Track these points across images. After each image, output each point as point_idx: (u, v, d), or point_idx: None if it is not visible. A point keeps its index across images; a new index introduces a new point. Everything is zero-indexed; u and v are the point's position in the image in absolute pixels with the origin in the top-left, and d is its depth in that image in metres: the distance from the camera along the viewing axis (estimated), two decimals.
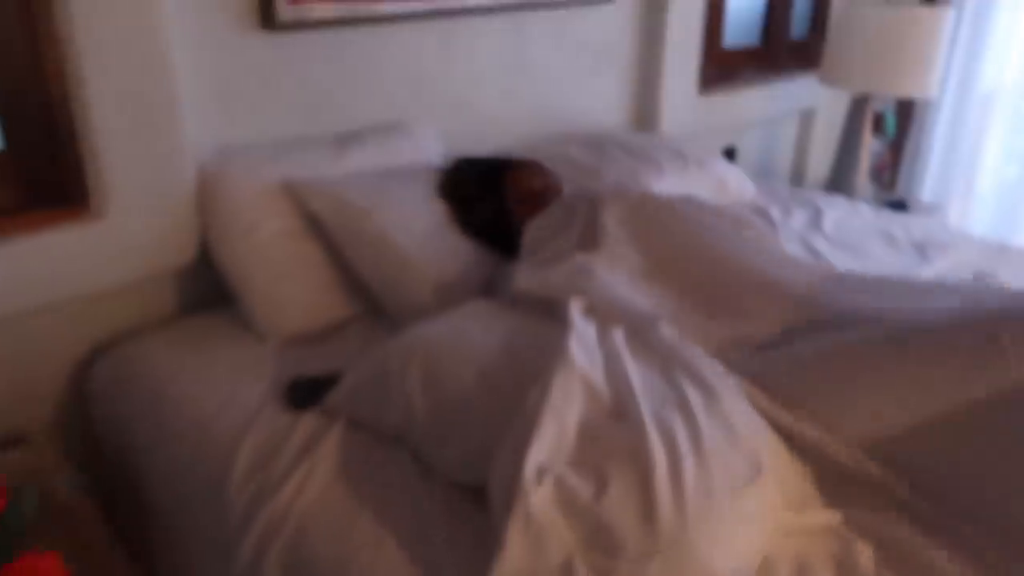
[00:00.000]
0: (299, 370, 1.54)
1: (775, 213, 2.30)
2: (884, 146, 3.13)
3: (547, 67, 2.38)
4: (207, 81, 1.72)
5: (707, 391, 1.13)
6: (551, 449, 1.04)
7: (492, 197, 1.76)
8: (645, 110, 2.65)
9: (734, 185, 2.37)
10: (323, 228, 1.70)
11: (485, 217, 1.75)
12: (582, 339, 1.21)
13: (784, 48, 3.14)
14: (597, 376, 1.15)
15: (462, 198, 1.78)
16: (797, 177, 3.44)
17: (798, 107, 3.24)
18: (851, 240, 2.21)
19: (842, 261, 2.08)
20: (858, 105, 2.89)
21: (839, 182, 2.97)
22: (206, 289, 1.77)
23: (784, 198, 2.47)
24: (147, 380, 1.58)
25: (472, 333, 1.30)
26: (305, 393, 1.45)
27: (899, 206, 2.99)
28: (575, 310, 1.27)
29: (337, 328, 1.70)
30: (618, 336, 1.24)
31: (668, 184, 2.20)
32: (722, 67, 2.88)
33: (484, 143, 2.22)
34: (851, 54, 2.75)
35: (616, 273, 1.44)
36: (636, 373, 1.16)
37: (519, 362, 1.21)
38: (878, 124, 2.95)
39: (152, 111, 1.57)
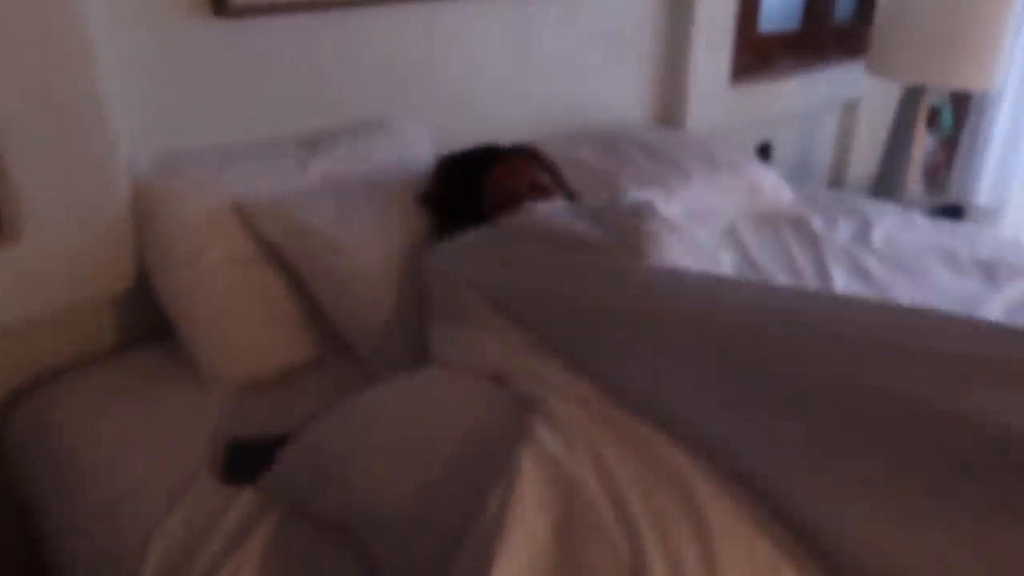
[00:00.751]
0: (246, 426, 1.28)
1: (816, 224, 2.01)
2: (937, 144, 2.80)
3: (555, 56, 2.08)
4: (144, 77, 1.45)
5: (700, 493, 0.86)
6: (520, 565, 0.78)
7: (471, 203, 1.49)
8: (669, 104, 2.35)
9: (770, 191, 2.07)
10: (280, 257, 1.43)
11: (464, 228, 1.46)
12: (553, 418, 0.93)
13: (827, 33, 2.81)
14: (575, 464, 0.88)
15: (440, 207, 1.51)
16: (837, 177, 3.12)
17: (841, 99, 2.91)
18: (906, 258, 1.90)
19: (896, 284, 1.79)
20: (911, 98, 2.56)
21: (887, 184, 2.66)
22: (153, 319, 1.50)
23: (826, 205, 2.16)
24: (62, 438, 1.32)
25: (427, 410, 1.03)
26: (245, 461, 1.19)
27: (954, 211, 2.67)
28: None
29: (297, 373, 1.43)
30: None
31: (696, 192, 1.91)
32: (757, 54, 2.57)
33: (485, 137, 1.94)
34: (904, 40, 2.42)
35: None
36: (627, 460, 0.89)
37: (481, 449, 0.94)
38: (932, 119, 2.63)
39: (73, 113, 1.31)
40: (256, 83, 1.59)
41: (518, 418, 0.94)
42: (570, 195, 1.56)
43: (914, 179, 2.59)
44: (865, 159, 3.07)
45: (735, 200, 2.00)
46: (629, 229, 1.22)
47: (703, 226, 1.93)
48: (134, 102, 1.43)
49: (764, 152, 2.72)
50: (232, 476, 1.17)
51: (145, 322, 1.52)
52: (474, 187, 1.49)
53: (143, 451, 1.25)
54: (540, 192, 1.47)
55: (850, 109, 2.99)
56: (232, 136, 1.58)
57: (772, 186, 2.07)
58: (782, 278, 1.78)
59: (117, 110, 1.36)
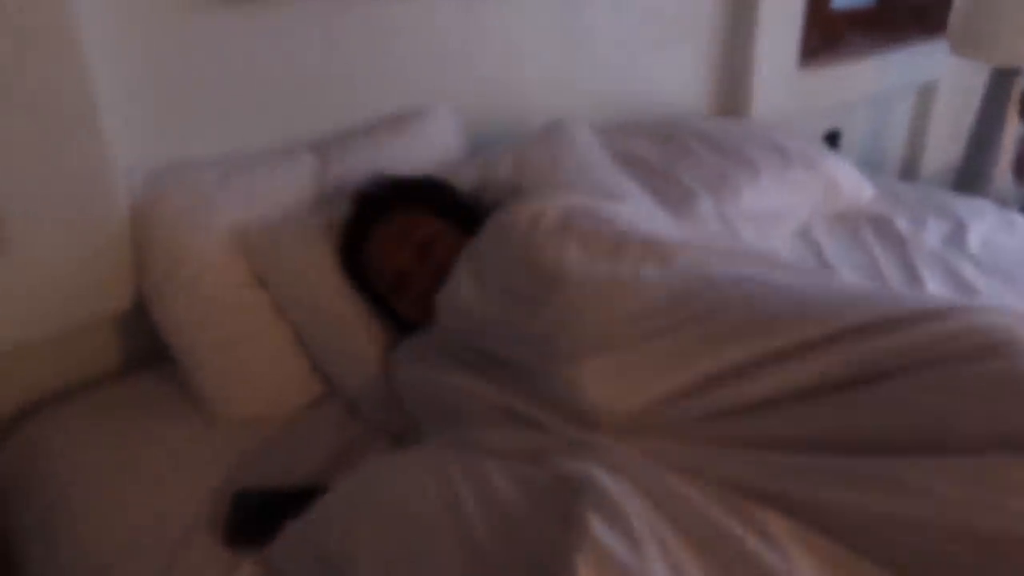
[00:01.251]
0: (252, 470, 1.12)
1: (902, 224, 1.77)
2: None
3: (605, 39, 1.87)
4: (142, 77, 1.28)
5: None
6: None
7: (357, 278, 1.24)
8: (731, 90, 2.12)
9: (848, 188, 1.84)
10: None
11: (373, 306, 1.25)
12: (609, 507, 0.74)
13: (904, 9, 2.55)
14: (646, 570, 0.68)
15: (344, 269, 1.26)
16: (910, 168, 2.86)
17: (916, 82, 2.65)
18: (1006, 265, 1.66)
19: (997, 295, 1.56)
20: (999, 81, 2.30)
21: (971, 176, 2.40)
22: (155, 340, 1.33)
23: (912, 203, 1.92)
24: (51, 478, 1.16)
25: (450, 495, 0.83)
26: (251, 517, 1.02)
27: None
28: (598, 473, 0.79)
29: (313, 407, 1.25)
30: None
31: (766, 190, 1.69)
32: (828, 34, 2.33)
33: (527, 129, 1.74)
34: (993, 16, 2.16)
35: None
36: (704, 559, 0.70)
37: (519, 551, 0.74)
38: None
39: (63, 120, 1.13)
40: (269, 80, 1.41)
41: (564, 510, 0.74)
42: (472, 214, 1.26)
43: (1003, 171, 2.33)
44: (942, 149, 2.81)
45: (809, 198, 1.78)
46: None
47: (775, 231, 1.72)
48: (131, 106, 1.26)
49: (832, 141, 2.48)
50: (236, 534, 1.01)
51: (146, 344, 1.35)
52: (359, 267, 1.23)
53: (139, 498, 1.09)
54: (428, 256, 1.18)
55: (926, 93, 2.73)
56: (243, 142, 1.40)
57: (850, 182, 1.84)
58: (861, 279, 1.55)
59: (112, 116, 1.18)
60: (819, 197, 1.79)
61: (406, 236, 1.18)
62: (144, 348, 1.37)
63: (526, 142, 1.53)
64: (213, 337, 1.22)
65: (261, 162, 1.36)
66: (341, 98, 1.52)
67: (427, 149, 1.52)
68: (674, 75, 2.05)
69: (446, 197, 1.27)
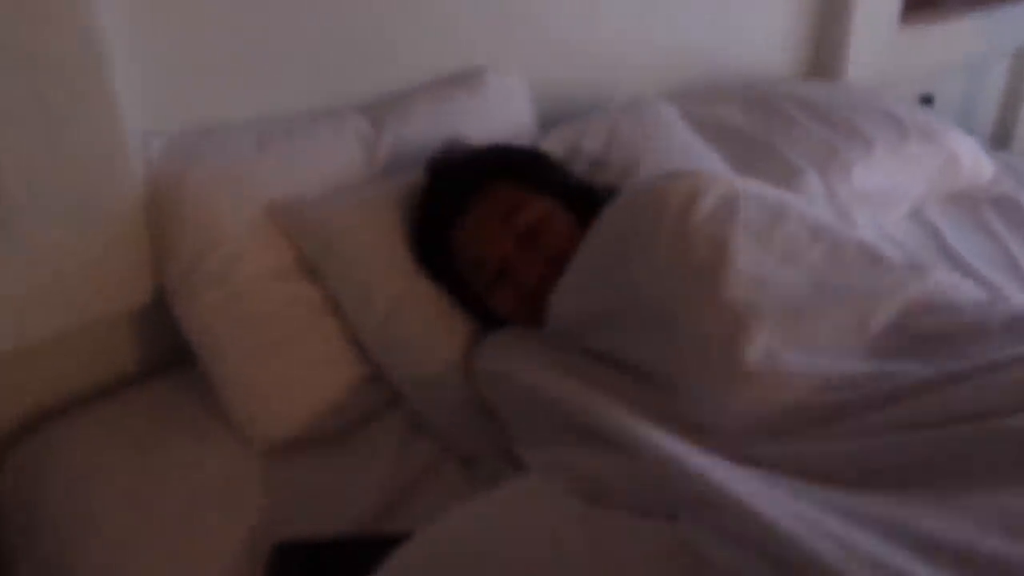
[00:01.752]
0: (300, 502, 0.93)
1: None
2: None
3: None
4: (161, 25, 1.07)
5: None
6: None
7: (438, 267, 1.03)
8: (825, 48, 1.88)
9: (969, 164, 1.59)
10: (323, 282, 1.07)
11: (455, 296, 1.03)
12: None
13: None
14: None
15: (422, 260, 1.04)
16: (1000, 137, 2.59)
17: (1014, 43, 2.38)
18: None
19: None
20: None
21: None
22: (180, 338, 1.13)
23: None
24: (55, 503, 0.97)
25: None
26: (292, 572, 0.82)
27: None
28: None
29: (367, 424, 1.05)
30: None
31: (881, 166, 1.45)
32: None
33: (603, 100, 1.52)
34: None
35: None
36: None
37: None
38: None
39: (65, 78, 0.92)
40: (311, 31, 1.19)
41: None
42: (582, 194, 1.05)
43: None
44: None
45: (925, 176, 1.54)
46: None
47: (886, 213, 1.49)
48: (148, 62, 1.05)
49: (926, 105, 2.23)
50: None
51: (169, 343, 1.15)
52: (442, 254, 1.01)
53: (156, 539, 0.90)
54: (537, 242, 0.96)
55: (1022, 57, 2.46)
56: (280, 104, 1.19)
57: (971, 158, 1.59)
58: (994, 274, 1.33)
59: (125, 74, 0.98)
60: (936, 174, 1.56)
61: (509, 218, 0.96)
62: (166, 349, 1.16)
63: (613, 113, 1.30)
64: (250, 340, 1.01)
65: (303, 126, 1.15)
66: (393, 56, 1.30)
67: (494, 115, 1.30)
68: (761, 33, 1.81)
69: (553, 172, 1.05)
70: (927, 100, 2.23)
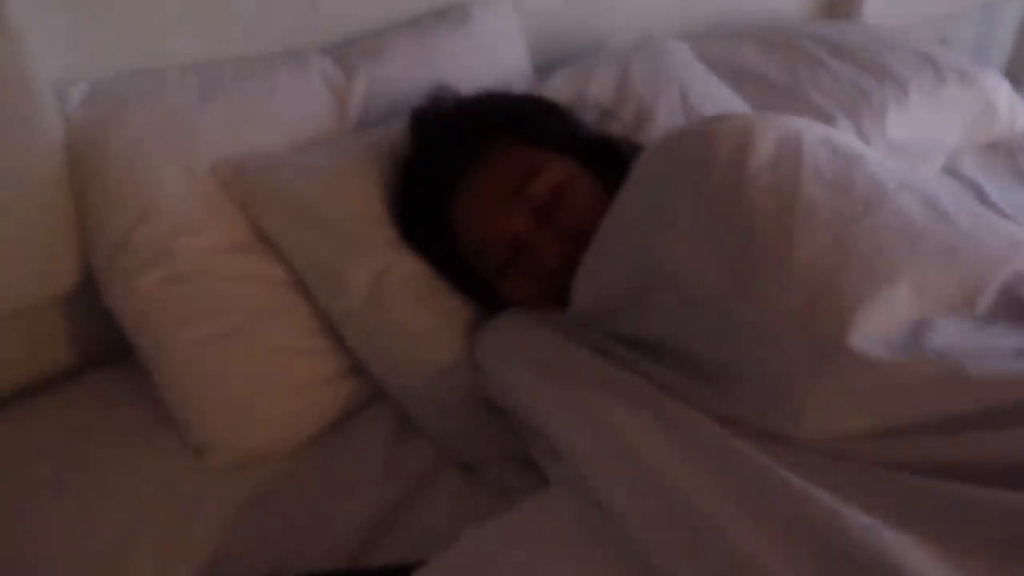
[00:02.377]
0: (272, 526, 0.76)
1: None
2: None
3: None
4: None
5: None
6: None
7: (443, 256, 0.85)
8: None
9: (1005, 112, 1.44)
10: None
11: (453, 280, 0.86)
12: None
13: None
14: None
15: (409, 238, 0.87)
16: (1013, 82, 2.45)
17: None
18: None
19: None
20: None
21: None
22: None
23: None
24: None
25: None
26: None
27: None
28: None
29: (341, 426, 0.88)
30: None
31: (914, 112, 1.30)
32: None
33: (604, 40, 1.35)
34: None
35: None
36: None
37: None
38: None
39: None
40: None
41: None
42: (604, 149, 0.88)
43: None
44: None
45: (960, 125, 1.38)
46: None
47: (922, 166, 1.34)
48: None
49: None
50: None
51: (106, 330, 0.97)
52: (442, 235, 0.84)
53: (88, 567, 0.73)
54: (557, 212, 0.79)
55: None
56: (222, 48, 0.99)
57: (1009, 104, 1.44)
58: None
59: (31, 7, 0.78)
60: (970, 123, 1.40)
61: (523, 187, 0.78)
62: (102, 337, 0.98)
63: (623, 54, 1.12)
64: (198, 331, 0.83)
65: (257, 71, 0.96)
66: None
67: (483, 55, 1.12)
68: None
69: (567, 124, 0.87)
70: (941, 43, 2.08)
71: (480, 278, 0.82)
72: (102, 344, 1.00)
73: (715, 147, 0.69)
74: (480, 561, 0.61)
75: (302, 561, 0.73)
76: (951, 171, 1.39)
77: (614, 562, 0.57)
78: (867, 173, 0.69)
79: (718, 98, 1.11)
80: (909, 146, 1.30)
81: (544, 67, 1.24)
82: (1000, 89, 1.42)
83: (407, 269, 0.83)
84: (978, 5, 2.14)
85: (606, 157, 0.83)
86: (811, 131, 0.74)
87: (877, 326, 0.59)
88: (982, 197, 1.30)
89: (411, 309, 0.82)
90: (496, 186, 0.79)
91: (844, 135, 0.78)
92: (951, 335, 0.60)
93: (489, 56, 1.14)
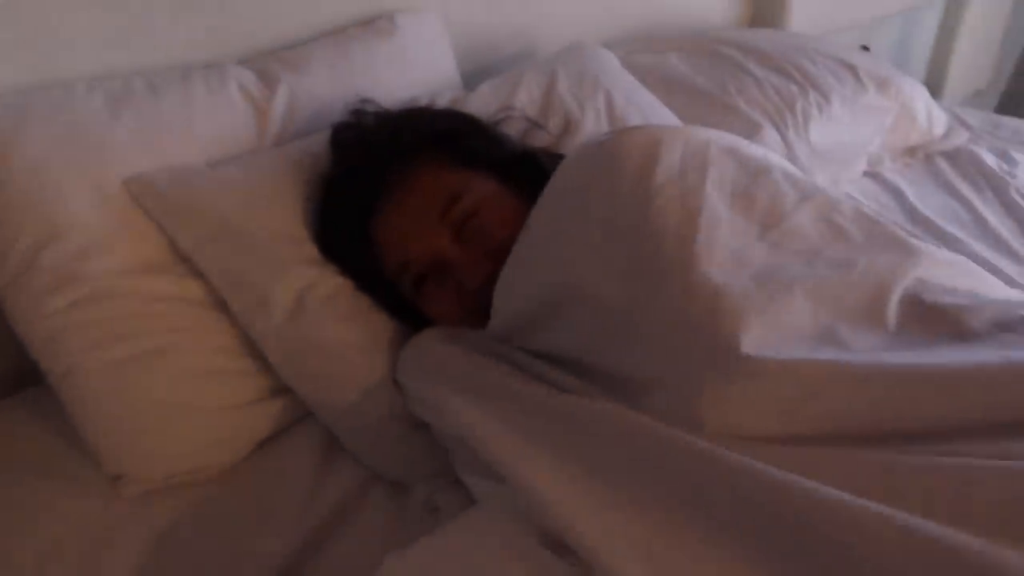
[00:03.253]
0: (187, 558, 0.74)
1: (989, 160, 1.44)
2: None
3: None
4: None
5: None
6: None
7: (371, 276, 0.83)
8: (763, 2, 1.73)
9: (923, 116, 1.48)
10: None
11: (375, 298, 0.85)
12: None
13: None
14: None
15: (331, 256, 0.85)
16: (932, 90, 2.52)
17: None
18: None
19: None
20: None
21: (1017, 97, 2.08)
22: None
23: (984, 132, 1.59)
24: None
25: None
26: None
27: None
28: None
29: (264, 448, 0.85)
30: None
31: (837, 120, 1.32)
32: None
33: (532, 49, 1.34)
34: None
35: None
36: None
37: None
38: None
39: None
40: None
41: None
42: (527, 166, 0.87)
43: None
44: (968, 67, 2.49)
45: (880, 130, 1.42)
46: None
47: (844, 171, 1.37)
48: None
49: None
50: None
51: (14, 355, 0.92)
52: (362, 254, 0.82)
53: None
54: (476, 231, 0.78)
55: (955, 3, 2.38)
56: (141, 56, 0.96)
57: (926, 110, 1.48)
58: (974, 243, 1.22)
59: None
60: (892, 128, 1.44)
61: (445, 206, 0.77)
62: (11, 363, 0.93)
63: (550, 62, 1.12)
64: (111, 354, 0.80)
65: (172, 82, 0.93)
66: None
67: (410, 65, 1.11)
68: None
69: (489, 141, 0.86)
70: (863, 49, 2.14)
71: (403, 296, 0.81)
72: (6, 371, 0.95)
73: (621, 158, 0.69)
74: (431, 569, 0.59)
75: None
76: (873, 175, 1.42)
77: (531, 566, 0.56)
78: (770, 188, 0.70)
79: (645, 107, 1.11)
80: (832, 151, 1.33)
81: (473, 75, 1.23)
82: (917, 96, 1.46)
83: (330, 286, 0.81)
84: (899, 12, 2.21)
85: (528, 172, 0.83)
86: (718, 143, 0.74)
87: (774, 333, 0.60)
88: (902, 201, 1.34)
89: (335, 327, 0.80)
90: (418, 206, 0.77)
91: (753, 146, 0.78)
92: (856, 341, 0.60)
93: (417, 65, 1.13)
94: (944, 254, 0.72)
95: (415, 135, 0.82)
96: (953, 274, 0.69)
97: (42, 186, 0.81)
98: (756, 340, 0.58)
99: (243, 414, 0.84)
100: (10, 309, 0.82)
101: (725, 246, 0.64)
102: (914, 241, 0.71)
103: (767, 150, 0.82)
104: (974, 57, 2.46)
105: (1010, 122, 1.64)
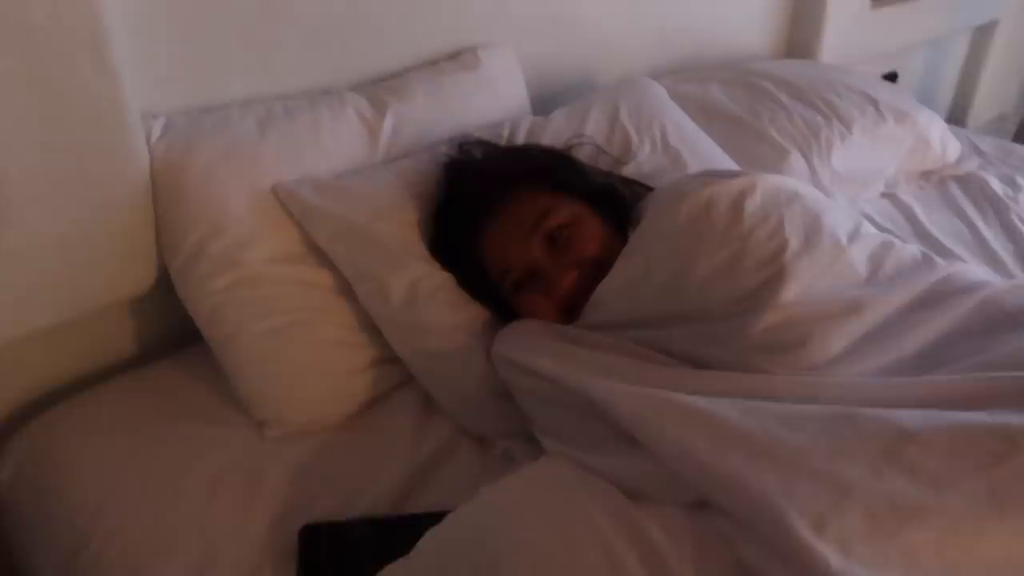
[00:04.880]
0: (319, 484, 0.94)
1: (995, 186, 1.61)
2: None
3: None
4: (152, 4, 1.04)
5: None
6: None
7: (476, 278, 1.03)
8: (802, 29, 1.91)
9: (938, 144, 1.66)
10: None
11: (476, 294, 1.05)
12: None
13: None
14: None
15: (442, 260, 1.05)
16: (957, 115, 2.68)
17: (975, 22, 2.45)
18: None
19: None
20: None
21: None
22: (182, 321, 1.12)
23: (995, 158, 1.76)
24: (60, 493, 0.97)
25: (601, 554, 0.68)
26: (326, 557, 0.84)
27: None
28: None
29: (381, 403, 1.07)
30: None
31: (858, 146, 1.50)
32: None
33: (591, 77, 1.54)
34: None
35: None
36: None
37: None
38: None
39: (66, 52, 0.89)
40: (305, 8, 1.17)
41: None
42: (606, 195, 1.06)
43: None
44: (993, 95, 2.64)
45: (897, 156, 1.60)
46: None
47: (862, 193, 1.55)
48: (146, 39, 1.02)
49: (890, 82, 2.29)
50: (309, 568, 0.84)
51: (171, 325, 1.15)
52: (476, 258, 1.02)
53: (174, 527, 0.90)
54: (566, 246, 0.97)
55: (983, 35, 2.54)
56: (277, 84, 1.18)
57: (940, 138, 1.66)
58: (971, 259, 1.39)
59: (125, 51, 0.95)
60: (907, 155, 1.62)
61: (538, 224, 0.97)
62: (165, 331, 1.16)
63: (611, 95, 1.32)
64: (261, 325, 1.01)
65: (303, 107, 1.14)
66: (384, 34, 1.28)
67: (490, 93, 1.32)
68: (740, 10, 1.83)
69: (576, 174, 1.06)
70: (892, 77, 2.30)
71: (500, 294, 1.01)
72: (165, 337, 1.18)
73: (716, 205, 0.90)
74: (499, 503, 0.79)
75: (351, 510, 0.92)
76: (890, 196, 1.60)
77: (601, 497, 0.75)
78: (828, 229, 0.90)
79: (690, 137, 1.31)
80: (852, 174, 1.51)
81: (541, 99, 1.43)
82: (932, 125, 1.64)
83: (436, 280, 1.02)
84: (927, 41, 2.36)
85: (609, 199, 1.03)
86: (786, 187, 0.94)
87: (844, 338, 0.80)
88: (912, 220, 1.51)
89: (440, 312, 1.01)
90: (518, 222, 0.98)
91: (808, 188, 0.98)
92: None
93: (496, 93, 1.33)
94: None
95: (517, 168, 1.03)
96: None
97: (209, 192, 1.02)
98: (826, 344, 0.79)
99: (360, 376, 1.05)
100: (182, 288, 1.04)
101: (804, 276, 0.84)
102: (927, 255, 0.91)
103: (814, 190, 1.01)
104: (1000, 83, 2.61)
105: (1019, 148, 1.81)
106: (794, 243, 0.86)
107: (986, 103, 2.66)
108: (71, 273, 1.00)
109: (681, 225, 0.91)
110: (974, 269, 0.92)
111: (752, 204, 0.89)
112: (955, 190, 1.62)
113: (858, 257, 0.88)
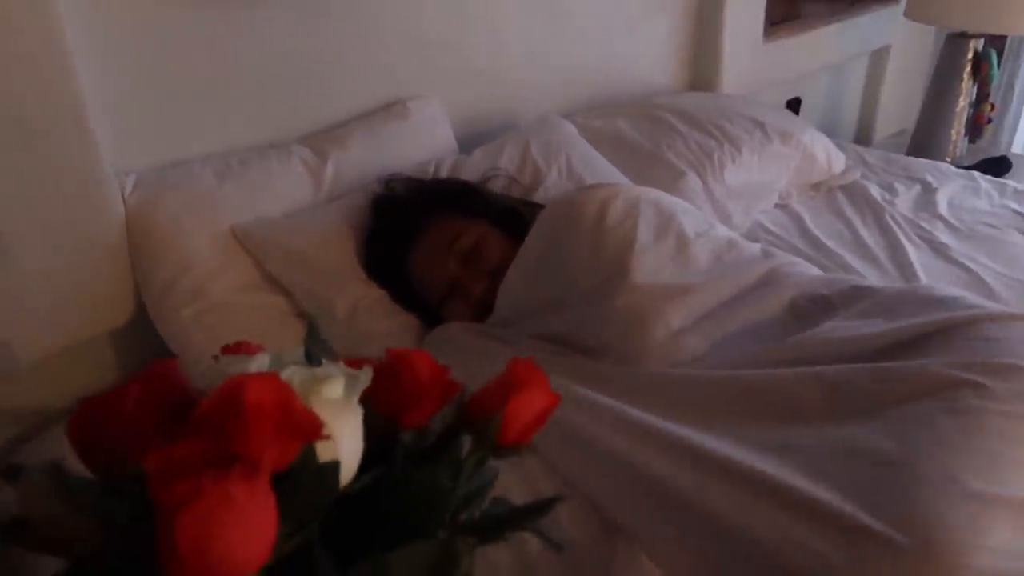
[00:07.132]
0: None
1: (874, 192, 1.83)
2: (981, 94, 2.60)
3: (584, 17, 1.86)
4: (127, 75, 1.22)
5: None
6: None
7: (406, 293, 1.23)
8: (701, 64, 2.14)
9: (823, 159, 1.88)
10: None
11: (406, 306, 1.24)
12: None
13: None
14: None
15: (376, 281, 1.25)
16: (863, 132, 2.94)
17: (868, 48, 2.71)
18: (980, 228, 1.72)
19: (972, 256, 1.61)
20: (954, 46, 2.37)
21: (926, 139, 2.48)
22: (151, 354, 1.29)
23: (879, 168, 1.99)
24: None
25: None
26: None
27: (998, 164, 2.49)
28: None
29: None
30: None
31: (747, 165, 1.72)
32: (788, 4, 2.36)
33: (512, 118, 1.74)
34: None
35: None
36: None
37: None
38: (978, 68, 2.43)
39: (49, 121, 1.08)
40: (255, 73, 1.36)
41: None
42: (509, 214, 1.26)
43: (959, 134, 2.42)
44: (893, 113, 2.89)
45: (786, 171, 1.81)
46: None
47: (756, 205, 1.76)
48: (117, 107, 1.21)
49: (793, 108, 2.53)
50: None
51: (141, 359, 1.31)
52: (404, 277, 1.22)
53: None
54: (477, 260, 1.18)
55: (878, 58, 2.80)
56: (231, 140, 1.37)
57: (825, 153, 1.88)
58: (849, 256, 1.60)
59: (99, 117, 1.13)
60: (796, 169, 1.83)
61: (452, 244, 1.18)
62: (146, 360, 1.32)
63: (524, 133, 1.52)
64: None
65: (255, 159, 1.33)
66: (326, 92, 1.48)
67: (420, 139, 1.51)
68: (646, 51, 2.06)
69: (482, 199, 1.27)
70: (796, 102, 2.54)
71: (426, 304, 1.21)
72: (142, 364, 1.33)
73: (584, 209, 1.10)
74: None
75: None
76: (783, 207, 1.81)
77: None
78: (677, 228, 1.10)
79: (594, 164, 1.51)
80: (744, 189, 1.72)
81: (467, 140, 1.63)
82: (816, 143, 1.86)
83: (373, 297, 1.21)
84: (825, 67, 2.61)
85: (511, 219, 1.23)
86: (646, 196, 1.14)
87: (681, 314, 0.99)
88: (800, 225, 1.72)
89: (379, 323, 1.20)
90: (436, 246, 1.18)
91: (669, 197, 1.19)
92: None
93: (424, 138, 1.52)
94: (787, 257, 1.13)
95: (430, 198, 1.22)
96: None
97: (176, 235, 1.20)
98: (665, 328, 0.98)
99: None
100: (156, 319, 1.22)
101: (650, 265, 1.04)
102: (764, 251, 1.11)
103: (675, 199, 1.22)
104: (898, 102, 2.87)
105: (899, 159, 2.04)
106: (644, 238, 1.06)
107: (889, 120, 2.91)
108: (63, 309, 1.17)
109: (556, 227, 1.11)
110: (801, 264, 1.12)
111: (614, 209, 1.10)
112: (840, 198, 1.84)
113: (701, 251, 1.08)
